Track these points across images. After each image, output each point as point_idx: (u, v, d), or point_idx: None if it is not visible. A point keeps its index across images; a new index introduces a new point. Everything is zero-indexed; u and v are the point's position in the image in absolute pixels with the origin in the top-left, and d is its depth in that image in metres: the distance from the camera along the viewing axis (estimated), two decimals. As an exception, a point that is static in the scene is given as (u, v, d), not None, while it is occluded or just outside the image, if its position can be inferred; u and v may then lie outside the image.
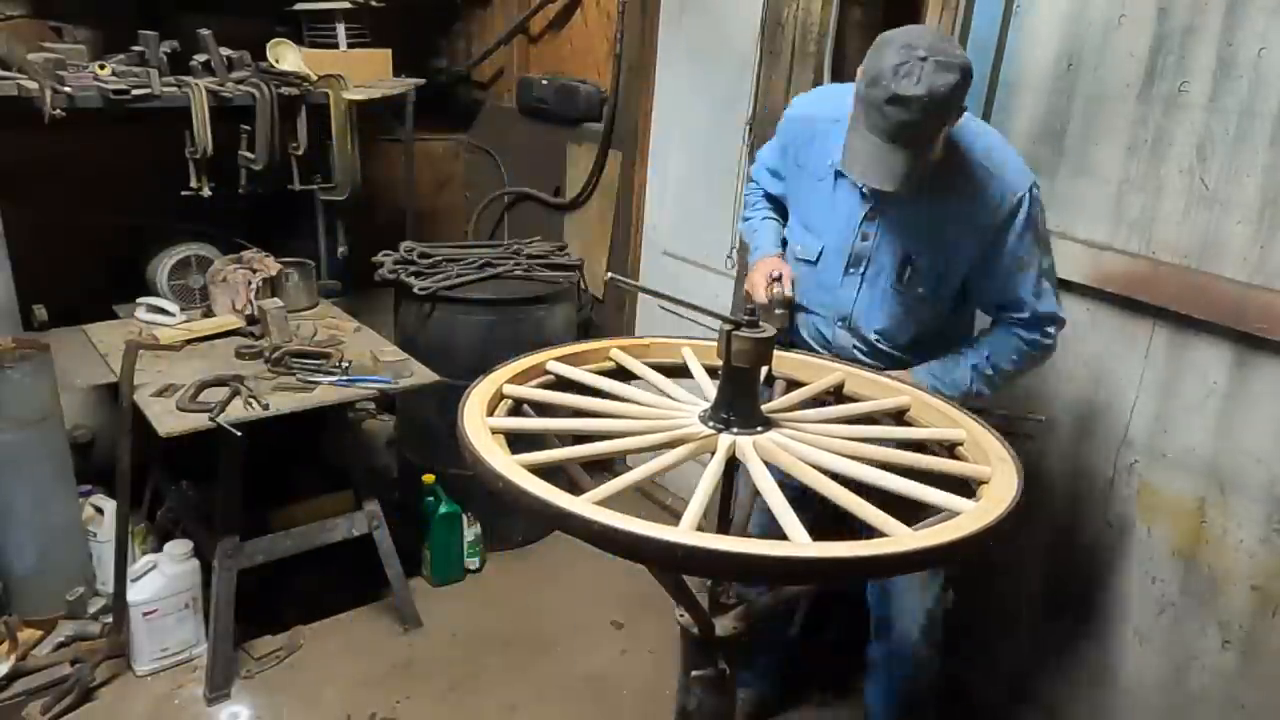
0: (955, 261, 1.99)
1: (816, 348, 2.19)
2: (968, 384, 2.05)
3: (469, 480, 1.59)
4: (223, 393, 2.60)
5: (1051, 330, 2.05)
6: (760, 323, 1.56)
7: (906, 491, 1.51)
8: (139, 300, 3.19)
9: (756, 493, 1.47)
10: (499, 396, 1.66)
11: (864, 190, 1.99)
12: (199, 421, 2.48)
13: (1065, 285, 2.46)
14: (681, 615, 1.60)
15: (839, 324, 2.13)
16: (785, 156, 2.22)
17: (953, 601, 2.38)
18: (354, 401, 3.17)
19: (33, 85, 2.81)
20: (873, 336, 2.11)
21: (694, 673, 1.62)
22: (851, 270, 2.08)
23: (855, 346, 2.15)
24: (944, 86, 1.71)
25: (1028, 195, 1.92)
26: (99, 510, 3.08)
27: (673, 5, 3.60)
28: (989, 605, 2.79)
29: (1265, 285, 2.06)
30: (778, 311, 2.13)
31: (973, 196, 1.91)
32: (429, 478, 3.33)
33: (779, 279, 2.15)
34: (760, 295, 2.13)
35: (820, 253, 2.12)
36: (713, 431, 1.54)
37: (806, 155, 2.13)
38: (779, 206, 2.33)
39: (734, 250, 3.23)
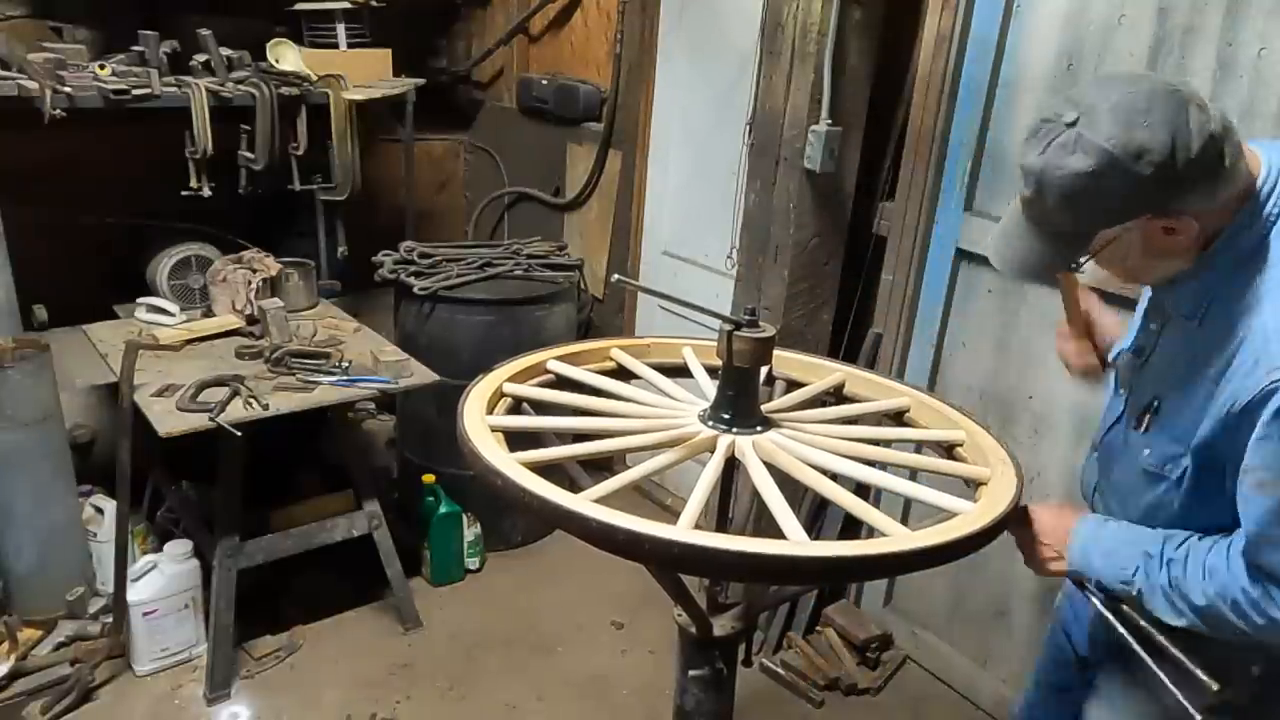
0: (1193, 423, 1.34)
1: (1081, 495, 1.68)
2: (1130, 574, 1.38)
3: (469, 480, 1.60)
4: (223, 393, 2.60)
5: (1258, 596, 1.27)
6: None
7: (905, 492, 1.52)
8: (139, 300, 3.19)
9: (756, 493, 1.47)
10: (499, 395, 1.66)
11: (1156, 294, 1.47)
12: (199, 421, 2.48)
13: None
14: (680, 615, 1.60)
15: (1094, 453, 1.64)
16: None
17: None
18: (354, 401, 3.17)
19: (33, 85, 2.81)
20: (1106, 492, 1.59)
21: (691, 672, 1.62)
22: (1122, 390, 1.55)
23: (1095, 498, 1.63)
24: (1063, 171, 1.23)
25: None
26: (99, 510, 3.08)
27: (673, 5, 3.61)
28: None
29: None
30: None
31: (1232, 344, 1.28)
32: (429, 478, 3.33)
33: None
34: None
35: (1119, 354, 1.60)
36: (712, 431, 1.54)
37: None
38: None
39: (734, 250, 3.23)
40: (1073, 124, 1.23)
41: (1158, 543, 1.37)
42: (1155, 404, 1.42)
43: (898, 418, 1.78)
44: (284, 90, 3.28)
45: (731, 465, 1.56)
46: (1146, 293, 1.54)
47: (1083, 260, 1.33)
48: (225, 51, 3.25)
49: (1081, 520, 1.46)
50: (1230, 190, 1.25)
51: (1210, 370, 1.30)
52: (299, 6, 3.62)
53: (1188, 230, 1.25)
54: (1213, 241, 1.29)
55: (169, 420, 2.48)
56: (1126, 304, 1.94)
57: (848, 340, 3.11)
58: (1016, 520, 1.45)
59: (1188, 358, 1.35)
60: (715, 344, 1.56)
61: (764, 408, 1.64)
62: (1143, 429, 1.44)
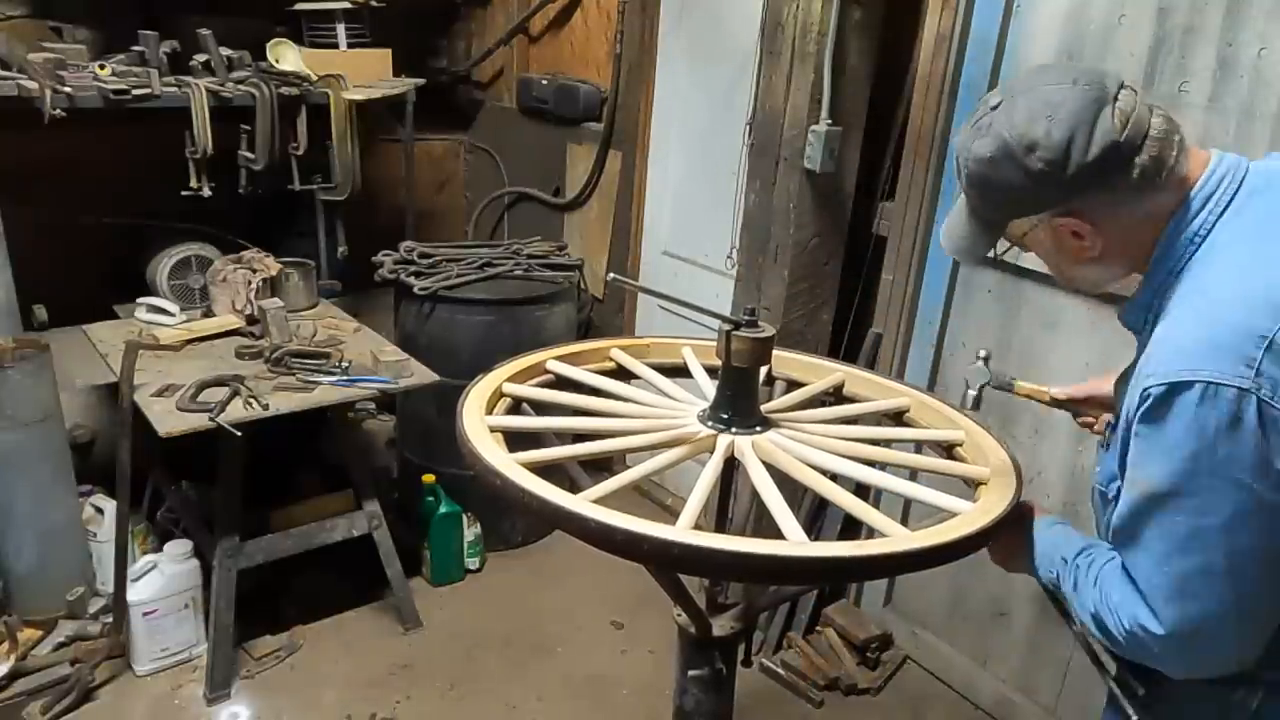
0: (1122, 442, 1.28)
1: None
2: (1054, 576, 1.39)
3: (469, 480, 1.59)
4: (223, 393, 2.60)
5: (1128, 625, 1.22)
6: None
7: (905, 492, 1.52)
8: (139, 300, 3.19)
9: (755, 493, 1.47)
10: (498, 395, 1.66)
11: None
12: (199, 421, 2.48)
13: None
14: (679, 615, 1.60)
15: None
16: None
17: None
18: (354, 401, 3.17)
19: (33, 85, 2.81)
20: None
21: (691, 672, 1.62)
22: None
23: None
24: (968, 155, 1.26)
25: (1162, 391, 1.14)
26: (99, 510, 3.08)
27: (673, 5, 3.60)
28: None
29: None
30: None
31: (1143, 358, 1.24)
32: (429, 478, 3.33)
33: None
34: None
35: None
36: (712, 431, 1.54)
37: None
38: None
39: (734, 250, 3.23)
40: (995, 108, 1.24)
41: (1074, 549, 1.35)
42: (1111, 423, 1.40)
43: (898, 418, 1.77)
44: (284, 90, 3.28)
45: (731, 465, 1.56)
46: None
47: (1003, 250, 1.35)
48: (225, 51, 3.25)
49: (1038, 518, 1.45)
50: (1140, 203, 1.21)
51: (1142, 372, 1.24)
52: (299, 6, 3.62)
53: (1090, 236, 1.23)
54: (1149, 264, 1.26)
55: (169, 420, 2.48)
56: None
57: (848, 340, 3.11)
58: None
59: (1136, 367, 1.29)
60: (715, 344, 1.56)
61: (764, 408, 1.64)
62: (1105, 448, 1.42)
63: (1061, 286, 2.48)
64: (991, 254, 1.37)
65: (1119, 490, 1.27)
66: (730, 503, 1.74)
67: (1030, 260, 2.50)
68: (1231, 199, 1.21)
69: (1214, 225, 1.20)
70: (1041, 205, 1.23)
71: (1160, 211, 1.22)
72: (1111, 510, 1.29)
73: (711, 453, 1.50)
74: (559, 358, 1.80)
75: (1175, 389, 1.13)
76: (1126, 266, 1.29)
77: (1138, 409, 1.18)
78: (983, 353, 1.75)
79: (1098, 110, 1.17)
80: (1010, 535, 1.44)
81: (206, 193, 3.19)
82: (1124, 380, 1.43)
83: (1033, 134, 1.18)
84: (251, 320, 3.10)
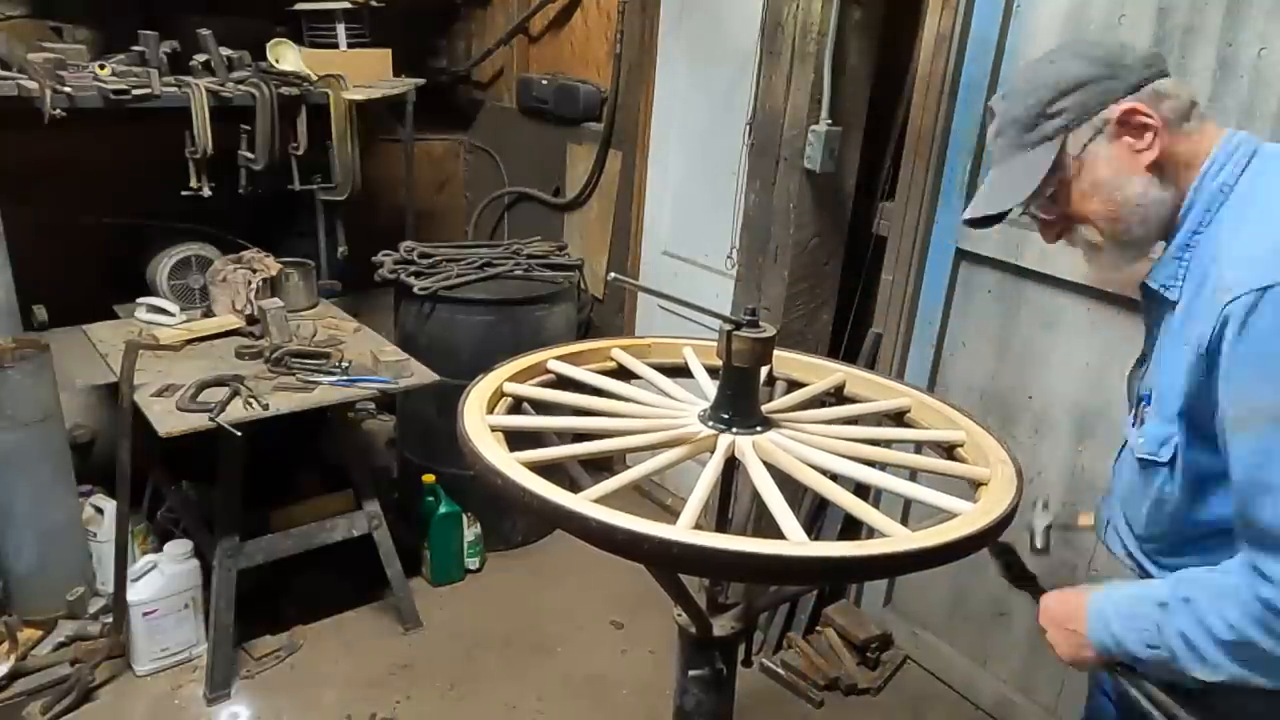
0: (1175, 395, 1.30)
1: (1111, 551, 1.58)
2: (1154, 634, 1.27)
3: (469, 480, 1.59)
4: (223, 393, 2.60)
5: (1271, 595, 1.16)
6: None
7: (905, 492, 1.51)
8: (139, 300, 3.19)
9: (756, 493, 1.47)
10: (499, 395, 1.66)
11: (1145, 295, 1.44)
12: (199, 421, 2.48)
13: (1065, 285, 2.47)
14: (679, 615, 1.60)
15: (1103, 494, 1.61)
16: None
17: None
18: (354, 401, 3.17)
19: (33, 85, 2.81)
20: (1117, 519, 1.53)
21: (691, 672, 1.62)
22: (1130, 411, 1.50)
23: (1109, 535, 1.56)
24: (1024, 74, 1.39)
25: (1251, 299, 1.15)
26: (99, 510, 3.08)
27: (673, 5, 3.60)
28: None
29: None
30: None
31: (1194, 295, 1.29)
32: (429, 478, 3.33)
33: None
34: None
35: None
36: (712, 431, 1.54)
37: None
38: None
39: (734, 250, 3.23)
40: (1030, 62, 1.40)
41: (1167, 586, 1.30)
42: (1148, 395, 1.41)
43: (898, 418, 1.77)
44: (284, 90, 3.28)
45: (731, 465, 1.56)
46: None
47: (1049, 191, 1.35)
48: (225, 51, 3.25)
49: (1091, 594, 1.39)
50: (1181, 129, 1.31)
51: (1188, 334, 1.27)
52: (299, 6, 3.62)
53: (1151, 126, 1.29)
54: (1175, 215, 1.33)
55: (169, 420, 2.48)
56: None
57: (848, 340, 3.11)
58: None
59: (1171, 336, 1.35)
60: (716, 344, 1.56)
61: (764, 408, 1.64)
62: (1140, 423, 1.42)
63: (1063, 288, 2.49)
64: (1020, 209, 1.39)
65: (1176, 449, 1.31)
66: (731, 503, 1.74)
67: (1030, 260, 2.53)
68: (1248, 162, 1.29)
69: (1237, 179, 1.28)
70: (1107, 93, 1.30)
71: (1195, 150, 1.31)
72: (1164, 476, 1.35)
73: (712, 453, 1.50)
74: (560, 357, 1.80)
75: (1264, 294, 1.15)
76: (1167, 197, 1.32)
77: (1220, 332, 1.18)
78: (1041, 501, 1.73)
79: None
80: (1071, 620, 1.41)
81: (206, 193, 3.19)
82: (1139, 367, 1.49)
83: (1094, 40, 1.41)
84: (251, 320, 3.10)
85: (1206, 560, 1.30)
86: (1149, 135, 1.30)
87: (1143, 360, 1.49)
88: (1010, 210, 1.40)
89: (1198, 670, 1.24)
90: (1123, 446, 1.52)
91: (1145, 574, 1.46)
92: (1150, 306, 1.44)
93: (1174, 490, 1.35)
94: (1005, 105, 1.37)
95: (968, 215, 1.45)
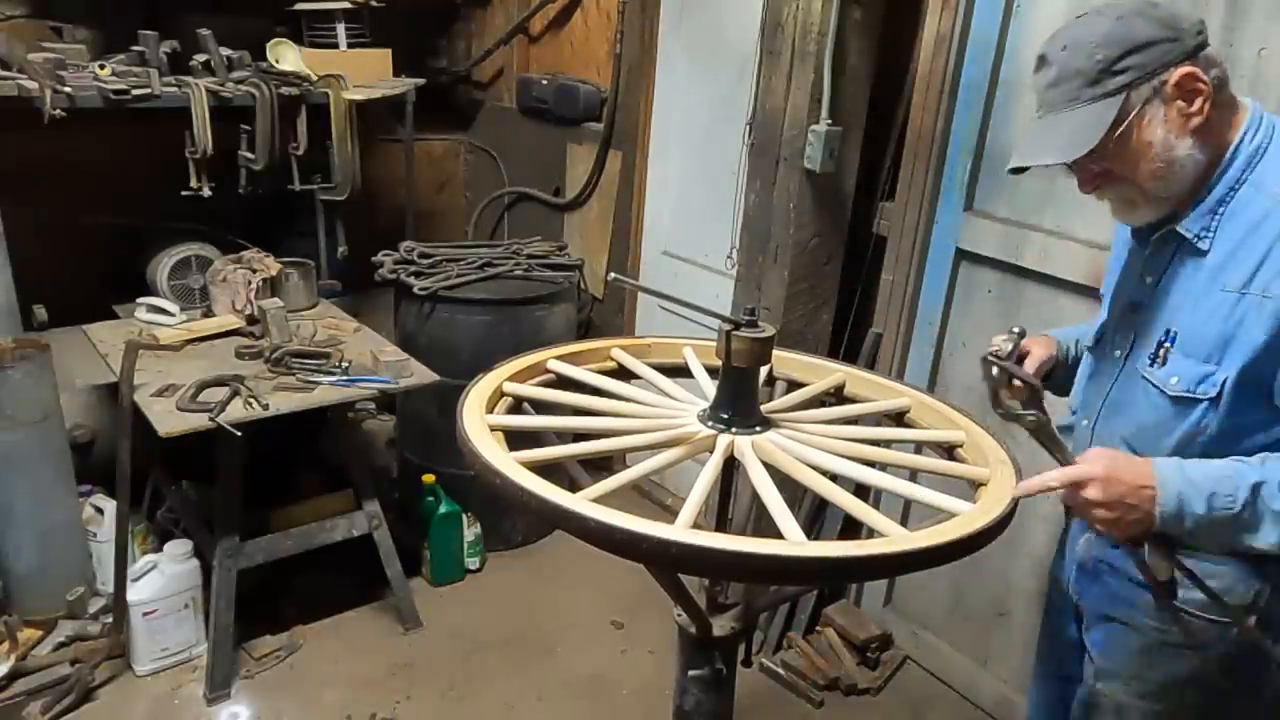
0: (1232, 346, 1.39)
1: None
2: (1236, 502, 1.35)
3: (469, 480, 1.59)
4: (223, 393, 2.60)
5: None
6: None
7: (904, 492, 1.52)
8: (139, 300, 3.19)
9: (755, 493, 1.47)
10: (499, 394, 1.66)
11: (1143, 236, 1.55)
12: (199, 421, 2.48)
13: (1065, 285, 2.47)
14: (679, 615, 1.60)
15: (1084, 423, 1.64)
16: (1116, 231, 1.72)
17: None
18: (354, 401, 3.17)
19: (33, 85, 2.81)
20: (1116, 441, 1.56)
21: (691, 672, 1.62)
22: (1116, 350, 1.58)
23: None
24: (1090, 26, 1.39)
25: None
26: (99, 510, 3.08)
27: (673, 5, 3.60)
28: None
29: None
30: (1018, 410, 1.49)
31: (1254, 254, 1.37)
32: (429, 478, 3.33)
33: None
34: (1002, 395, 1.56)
35: (1102, 331, 1.65)
36: (712, 431, 1.54)
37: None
38: None
39: (734, 250, 3.23)
40: (1082, 15, 1.42)
41: (1255, 469, 1.37)
42: (1171, 335, 1.47)
43: (898, 418, 1.77)
44: (284, 90, 3.28)
45: (731, 465, 1.56)
46: (1121, 258, 1.64)
47: (1111, 140, 1.37)
48: (225, 51, 3.25)
49: (1158, 465, 1.39)
50: (1223, 96, 1.40)
51: (1229, 281, 1.39)
52: (299, 6, 3.62)
53: (1203, 92, 1.36)
54: (1211, 170, 1.42)
55: (169, 420, 2.49)
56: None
57: (848, 340, 3.11)
58: (1073, 483, 1.38)
59: (1200, 282, 1.43)
60: (715, 344, 1.56)
61: (764, 408, 1.64)
62: (1161, 363, 1.48)
63: (1063, 289, 2.49)
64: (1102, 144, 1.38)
65: (1221, 386, 1.40)
66: (730, 503, 1.74)
67: (1030, 260, 2.53)
68: (1273, 129, 1.42)
69: (1268, 146, 1.41)
70: (1169, 55, 1.36)
71: (1230, 116, 1.42)
72: (1204, 410, 1.42)
73: (711, 452, 1.50)
74: (560, 357, 1.80)
75: None
76: (1204, 159, 1.41)
77: None
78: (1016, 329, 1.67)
79: None
80: (1134, 495, 1.36)
81: (206, 193, 3.19)
82: (1131, 311, 1.55)
83: (1152, 1, 1.40)
84: (251, 320, 3.10)
85: None
86: (1199, 100, 1.37)
87: (1134, 305, 1.55)
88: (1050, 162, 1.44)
89: (1266, 537, 1.36)
90: (1111, 385, 1.58)
91: None
92: (1156, 250, 1.51)
93: (1213, 423, 1.43)
94: (1066, 56, 1.39)
95: (1021, 162, 1.46)
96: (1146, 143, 1.39)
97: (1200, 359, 1.42)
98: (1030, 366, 1.67)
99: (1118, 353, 1.58)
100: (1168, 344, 1.47)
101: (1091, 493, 1.37)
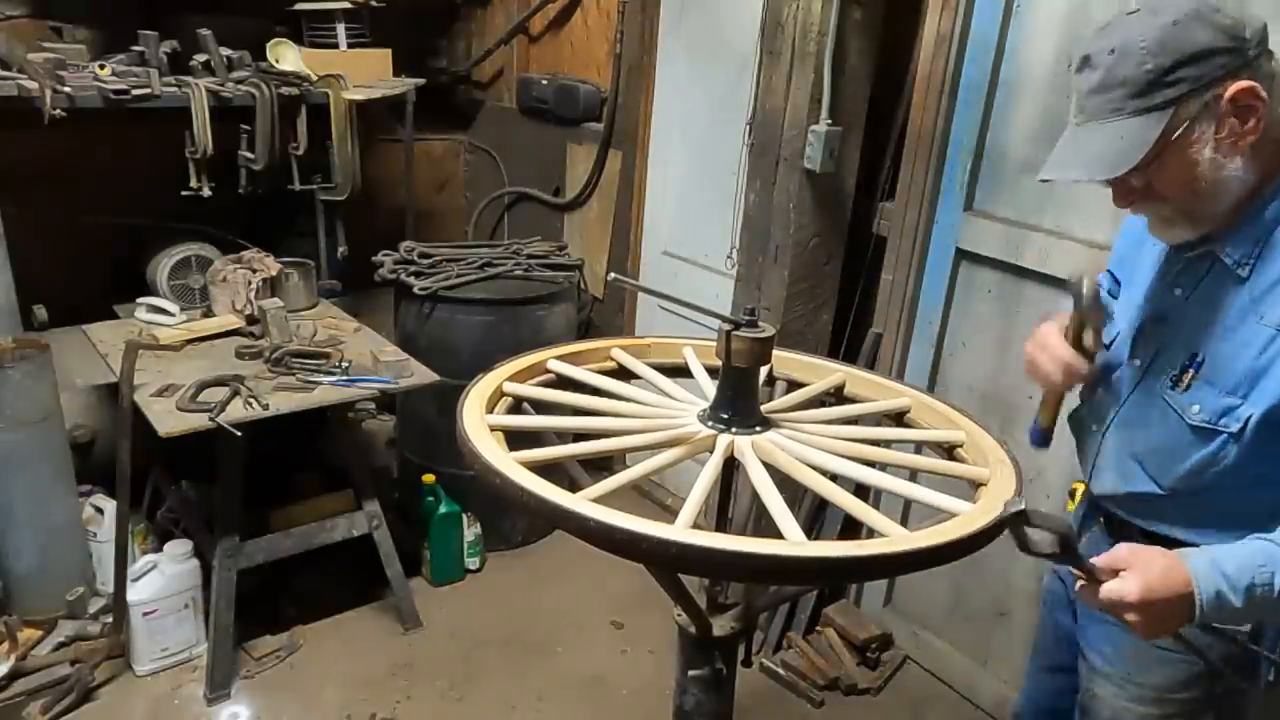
0: (1263, 382, 1.33)
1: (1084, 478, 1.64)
2: (1275, 585, 1.27)
3: (469, 480, 1.59)
4: (223, 393, 2.60)
5: None
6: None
7: (904, 492, 1.51)
8: (139, 300, 3.19)
9: (755, 493, 1.47)
10: (499, 394, 1.65)
11: (1173, 248, 1.46)
12: (199, 421, 2.48)
13: (1066, 285, 2.47)
14: (679, 615, 1.60)
15: (1093, 428, 1.60)
16: (1131, 221, 1.65)
17: None
18: (354, 401, 3.17)
19: (33, 85, 2.81)
20: (1126, 464, 1.53)
21: (691, 672, 1.62)
22: (1135, 359, 1.51)
23: (1105, 474, 1.58)
24: (1145, 26, 1.25)
25: None
26: (99, 510, 3.08)
27: (673, 5, 3.60)
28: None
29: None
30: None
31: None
32: (429, 478, 3.33)
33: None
34: (1048, 370, 1.52)
35: (1116, 336, 1.57)
36: (712, 431, 1.54)
37: None
38: None
39: (734, 250, 3.23)
40: (1134, 11, 1.29)
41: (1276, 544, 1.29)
42: (1198, 360, 1.40)
43: (898, 418, 1.77)
44: (284, 90, 3.28)
45: (731, 465, 1.56)
46: (1151, 262, 1.54)
47: (1148, 157, 1.27)
48: (225, 51, 3.25)
49: (1192, 566, 1.29)
50: (1275, 112, 1.28)
51: (1269, 315, 1.31)
52: (299, 6, 3.62)
53: (1258, 110, 1.26)
54: (1261, 191, 1.32)
55: (169, 420, 2.49)
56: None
57: (848, 340, 3.11)
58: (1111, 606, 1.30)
59: (1235, 309, 1.36)
60: (715, 344, 1.56)
61: (764, 408, 1.63)
62: (1184, 388, 1.41)
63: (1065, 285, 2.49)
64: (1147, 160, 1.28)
65: (1247, 423, 1.33)
66: (730, 503, 1.74)
67: (1030, 260, 2.53)
68: None
69: None
70: (1226, 68, 1.25)
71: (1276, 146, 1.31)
72: (1225, 441, 1.36)
73: (711, 452, 1.50)
74: (560, 357, 1.80)
75: None
76: (1252, 179, 1.32)
77: None
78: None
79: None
80: (1171, 597, 1.28)
81: (206, 193, 3.19)
82: (1155, 324, 1.48)
83: (1210, 3, 1.25)
84: (251, 320, 3.10)
85: (1195, 513, 1.43)
86: (1253, 119, 1.27)
87: (1160, 317, 1.47)
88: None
89: None
90: (1127, 397, 1.52)
91: (1132, 499, 1.51)
92: (1190, 265, 1.43)
93: (1231, 455, 1.38)
94: (1114, 60, 1.26)
95: (1054, 175, 1.35)
96: (1192, 162, 1.29)
97: (1226, 390, 1.36)
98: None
99: (1137, 361, 1.52)
100: (1192, 370, 1.40)
101: (1132, 617, 1.29)
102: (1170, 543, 1.42)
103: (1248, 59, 1.25)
